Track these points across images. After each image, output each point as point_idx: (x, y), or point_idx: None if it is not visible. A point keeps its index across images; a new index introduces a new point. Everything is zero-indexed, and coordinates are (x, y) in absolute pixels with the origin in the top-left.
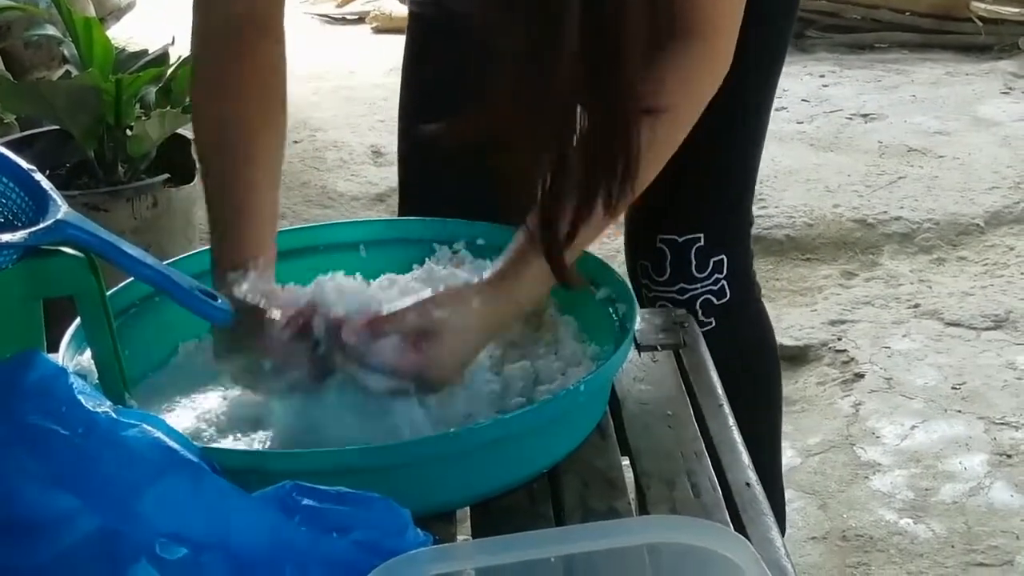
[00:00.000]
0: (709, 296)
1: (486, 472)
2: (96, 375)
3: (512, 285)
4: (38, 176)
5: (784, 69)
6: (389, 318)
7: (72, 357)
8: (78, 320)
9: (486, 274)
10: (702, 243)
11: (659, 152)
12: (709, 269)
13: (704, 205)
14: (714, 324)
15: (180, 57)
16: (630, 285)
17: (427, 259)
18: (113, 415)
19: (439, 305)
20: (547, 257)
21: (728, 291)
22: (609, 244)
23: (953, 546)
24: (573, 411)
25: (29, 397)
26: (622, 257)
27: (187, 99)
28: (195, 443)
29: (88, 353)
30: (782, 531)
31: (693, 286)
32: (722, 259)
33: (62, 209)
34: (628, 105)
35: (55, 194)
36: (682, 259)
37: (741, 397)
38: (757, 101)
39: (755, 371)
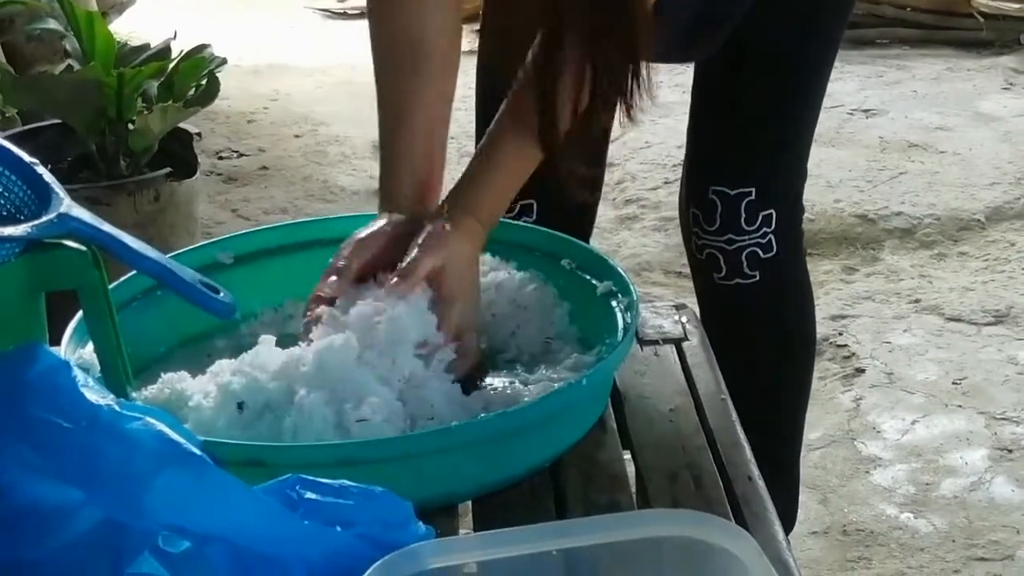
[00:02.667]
0: (756, 249)
1: (488, 466)
2: (98, 368)
3: (476, 213)
4: (40, 169)
5: None
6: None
7: (74, 350)
8: (80, 313)
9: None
10: (753, 197)
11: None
12: (758, 223)
13: (758, 161)
14: (758, 278)
15: (182, 51)
16: (630, 280)
17: None
18: (116, 408)
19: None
20: (540, 134)
21: (775, 246)
22: (612, 237)
23: (954, 540)
24: (575, 405)
25: (32, 390)
26: (624, 251)
27: (188, 93)
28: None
29: (90, 346)
30: (794, 511)
31: (741, 238)
32: (771, 214)
33: (65, 202)
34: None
35: (58, 187)
36: (732, 211)
37: (774, 353)
38: (819, 60)
39: (791, 329)
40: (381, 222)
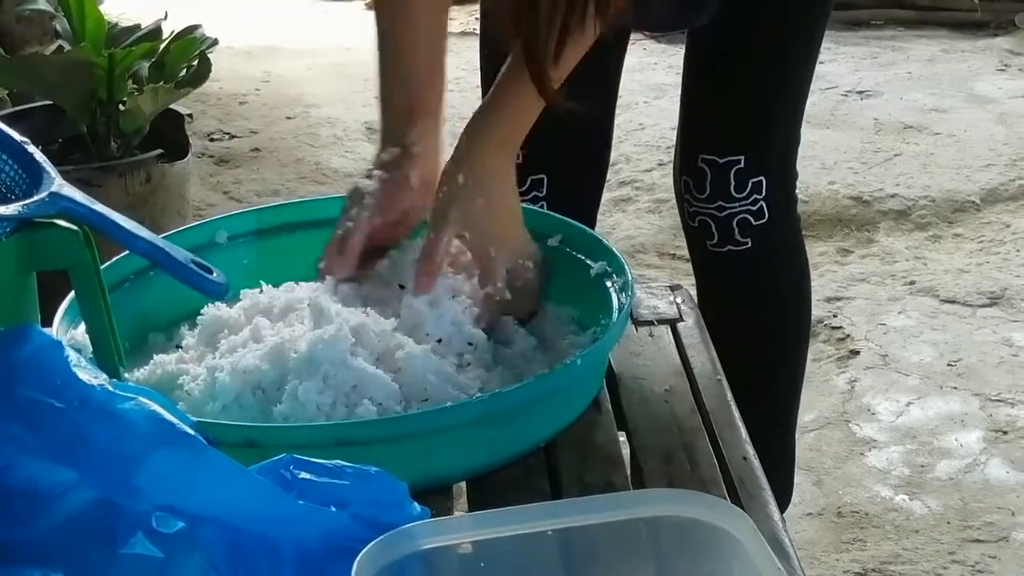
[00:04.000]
0: (747, 216)
1: (482, 446)
2: (91, 349)
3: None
4: (31, 149)
5: None
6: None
7: (66, 331)
8: (72, 294)
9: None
10: (742, 165)
11: None
12: (748, 190)
13: (746, 129)
14: (750, 244)
15: (172, 32)
16: (625, 260)
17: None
18: (109, 388)
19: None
20: (532, 75)
21: (767, 212)
22: (607, 219)
23: (949, 522)
24: (570, 386)
25: (24, 370)
26: (618, 232)
27: (180, 74)
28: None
29: (81, 327)
30: (789, 496)
31: (731, 204)
32: (761, 181)
33: (56, 182)
34: None
35: (49, 167)
36: (722, 179)
37: (770, 319)
38: (806, 28)
39: (785, 296)
40: (377, 175)
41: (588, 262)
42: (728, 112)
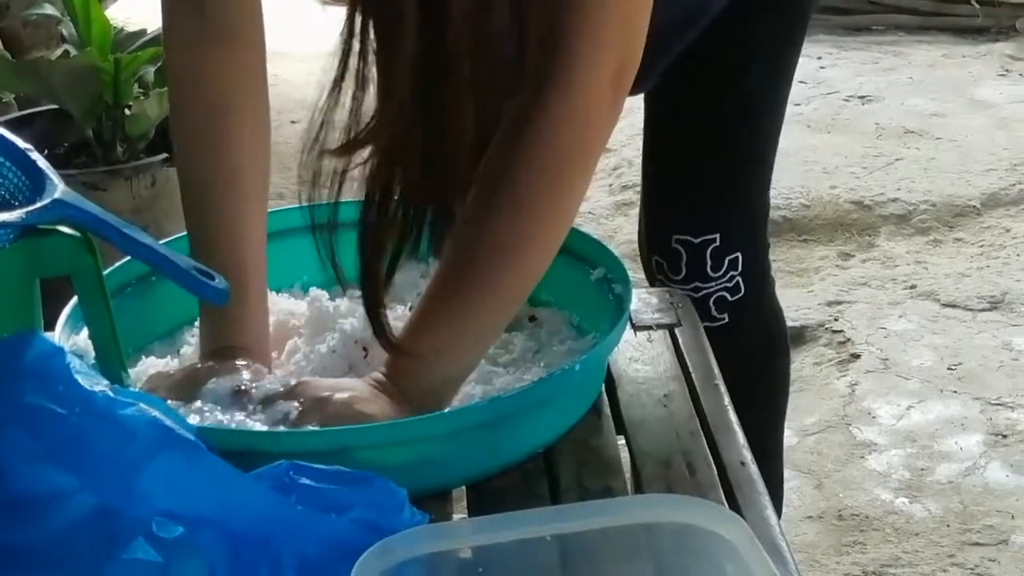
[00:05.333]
0: (724, 293)
1: (480, 453)
2: (93, 355)
3: (400, 384)
4: (34, 155)
5: None
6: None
7: (68, 337)
8: (74, 300)
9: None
10: (718, 243)
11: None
12: (724, 267)
13: (720, 206)
14: (727, 320)
15: None
16: (626, 265)
17: None
18: (110, 394)
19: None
20: (368, 313)
21: (743, 287)
22: (608, 223)
23: (948, 525)
24: (569, 391)
25: (26, 377)
26: (620, 236)
27: None
28: (190, 423)
29: (84, 333)
30: (779, 514)
31: (708, 285)
32: (737, 257)
33: (59, 188)
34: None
35: (52, 173)
36: (698, 259)
37: (749, 387)
38: (770, 98)
39: (765, 366)
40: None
41: (588, 267)
42: (698, 190)
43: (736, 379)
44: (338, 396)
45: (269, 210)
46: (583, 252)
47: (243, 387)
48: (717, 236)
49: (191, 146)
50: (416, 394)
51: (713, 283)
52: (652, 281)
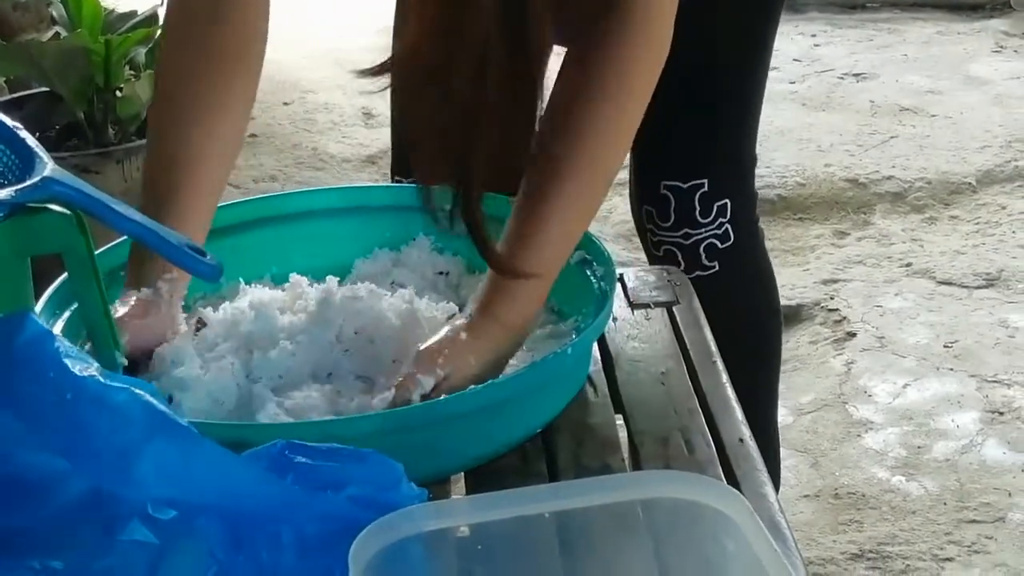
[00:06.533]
0: (713, 240)
1: (473, 439)
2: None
3: (498, 314)
4: (23, 134)
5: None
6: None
7: (47, 321)
8: (54, 284)
9: (469, 308)
10: (706, 188)
11: (598, 139)
12: (713, 214)
13: (707, 151)
14: (718, 268)
15: None
16: (620, 246)
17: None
18: (101, 379)
19: (437, 363)
20: (470, 232)
21: (732, 235)
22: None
23: (945, 503)
24: (561, 375)
25: (16, 361)
26: (615, 216)
27: None
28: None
29: (62, 320)
30: (776, 489)
31: (697, 231)
32: (726, 203)
33: (49, 166)
34: (539, 70)
35: (42, 152)
36: (687, 205)
37: (740, 343)
38: (756, 40)
39: (756, 316)
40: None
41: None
42: (688, 134)
43: (727, 334)
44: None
45: (244, 199)
46: None
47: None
48: (705, 181)
49: (175, 75)
50: (514, 318)
51: (703, 229)
52: (643, 236)
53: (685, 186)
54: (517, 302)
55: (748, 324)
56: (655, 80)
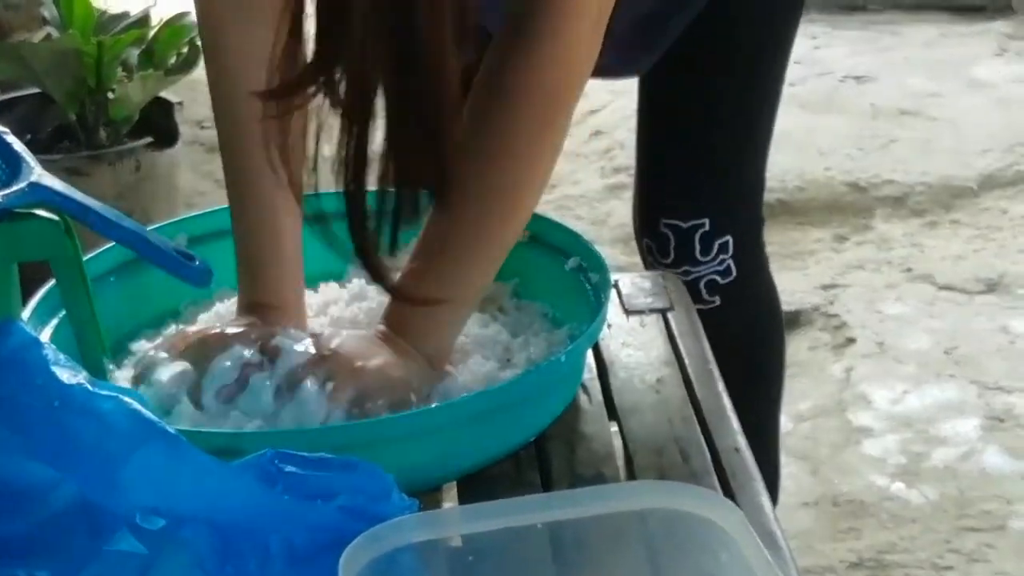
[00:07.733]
0: (714, 276)
1: (465, 447)
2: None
3: (407, 337)
4: (10, 138)
5: None
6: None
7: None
8: (40, 292)
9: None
10: (707, 228)
11: (507, 163)
12: (714, 252)
13: (707, 189)
14: (718, 302)
15: (162, 19)
16: (618, 250)
17: None
18: (88, 387)
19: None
20: (362, 259)
21: (734, 270)
22: (601, 207)
23: (945, 511)
24: (555, 383)
25: (3, 368)
26: (613, 220)
27: (169, 61)
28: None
29: (49, 327)
30: (774, 501)
31: (697, 269)
32: (727, 241)
33: (35, 171)
34: (442, 86)
35: (28, 156)
36: (686, 244)
37: (743, 368)
38: (763, 83)
39: (759, 344)
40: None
41: (562, 256)
42: (688, 174)
43: (729, 363)
44: (371, 364)
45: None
46: (556, 242)
47: (251, 363)
48: (706, 221)
49: (233, 113)
50: (423, 345)
51: (703, 267)
52: (645, 262)
53: (685, 226)
54: (425, 329)
55: (750, 352)
56: (569, 105)
